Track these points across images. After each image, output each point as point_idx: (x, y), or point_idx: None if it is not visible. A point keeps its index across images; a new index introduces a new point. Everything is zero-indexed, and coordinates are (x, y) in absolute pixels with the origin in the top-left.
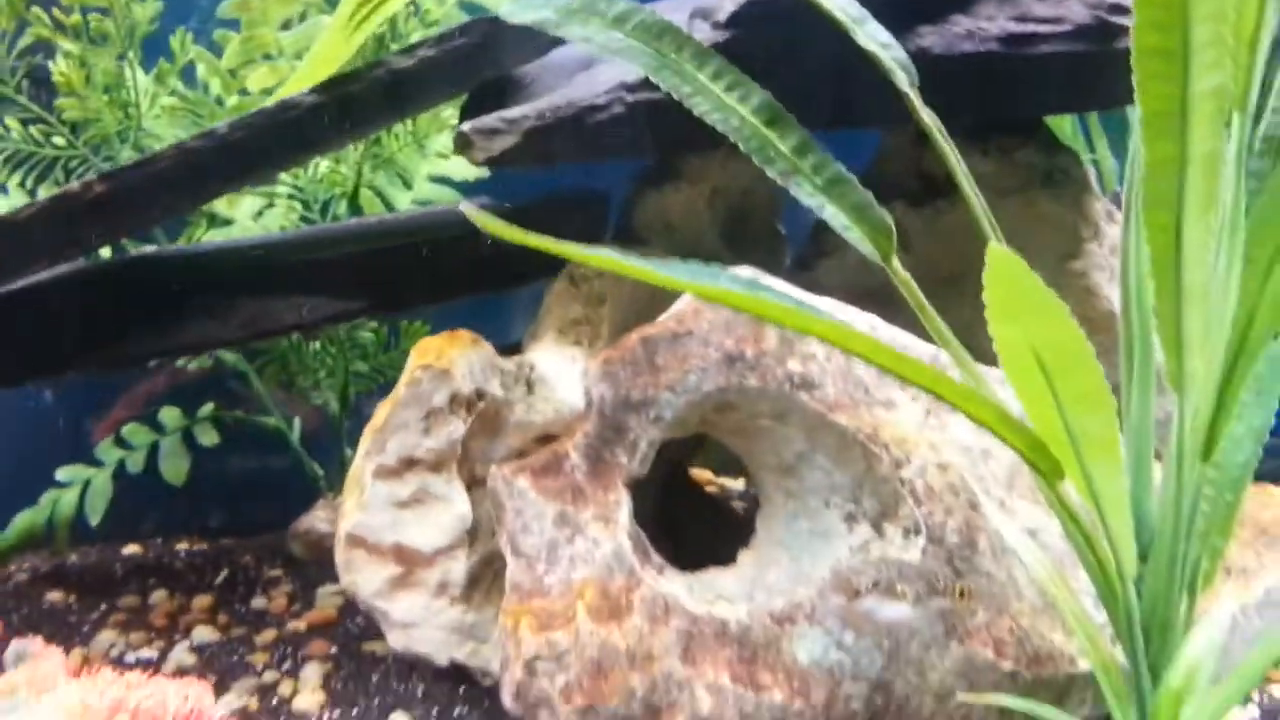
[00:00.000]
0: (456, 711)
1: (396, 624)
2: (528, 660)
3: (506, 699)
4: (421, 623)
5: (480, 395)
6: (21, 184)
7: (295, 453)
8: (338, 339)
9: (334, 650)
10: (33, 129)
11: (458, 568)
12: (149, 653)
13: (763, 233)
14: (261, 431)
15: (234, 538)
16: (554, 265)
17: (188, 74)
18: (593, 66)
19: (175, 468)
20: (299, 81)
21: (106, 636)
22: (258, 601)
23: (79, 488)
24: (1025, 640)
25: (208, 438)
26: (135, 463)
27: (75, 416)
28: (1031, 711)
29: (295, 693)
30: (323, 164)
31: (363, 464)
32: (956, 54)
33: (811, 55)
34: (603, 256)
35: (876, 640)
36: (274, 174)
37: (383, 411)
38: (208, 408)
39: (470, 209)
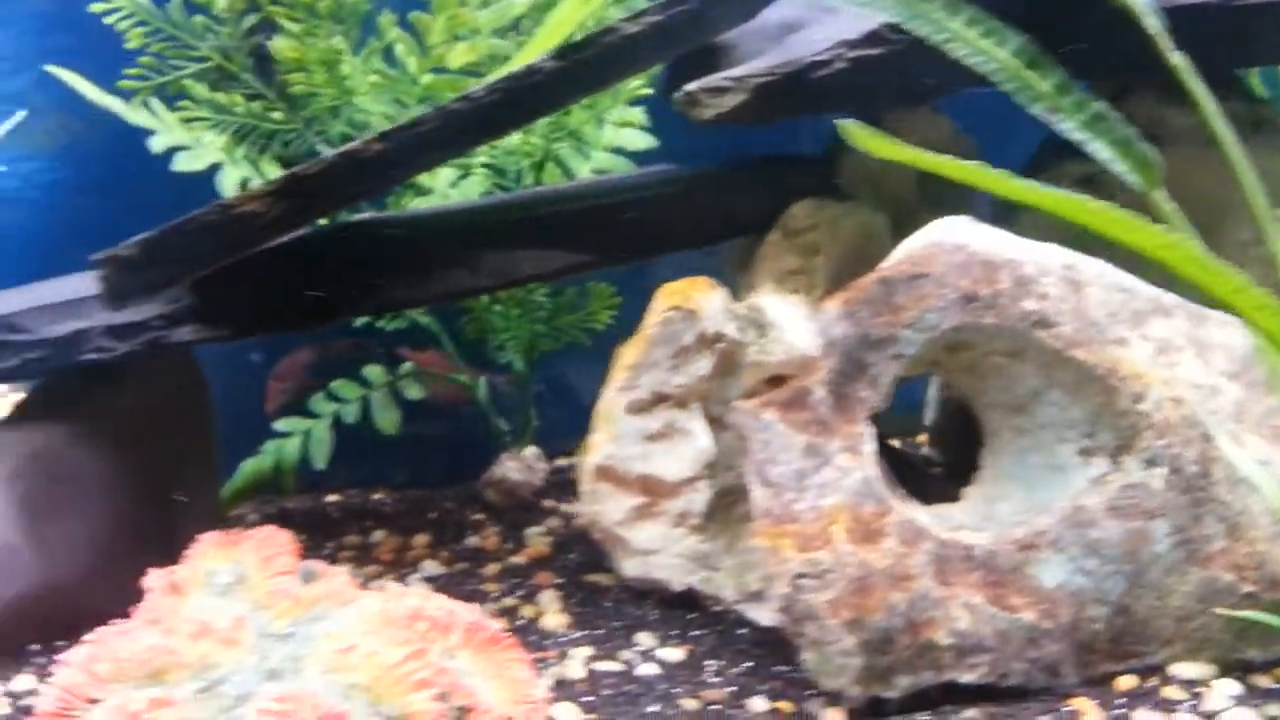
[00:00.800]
0: (692, 633)
1: (636, 551)
2: (793, 577)
3: (771, 614)
4: (661, 549)
5: (719, 337)
6: (245, 156)
7: (481, 409)
8: (522, 302)
9: (560, 581)
10: (254, 104)
11: (699, 498)
12: (386, 583)
13: (953, 193)
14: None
15: (423, 490)
16: (761, 220)
17: (385, 52)
18: (802, 29)
19: (388, 418)
20: (536, 48)
21: (341, 570)
22: (471, 540)
23: (300, 437)
24: (1263, 564)
25: (413, 391)
26: (350, 413)
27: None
28: None
29: (539, 615)
30: (514, 136)
31: (614, 399)
32: (1173, 7)
33: (1037, 11)
34: (996, 178)
35: (1118, 566)
36: (516, 131)
37: (632, 350)
38: (408, 365)
39: (851, 125)
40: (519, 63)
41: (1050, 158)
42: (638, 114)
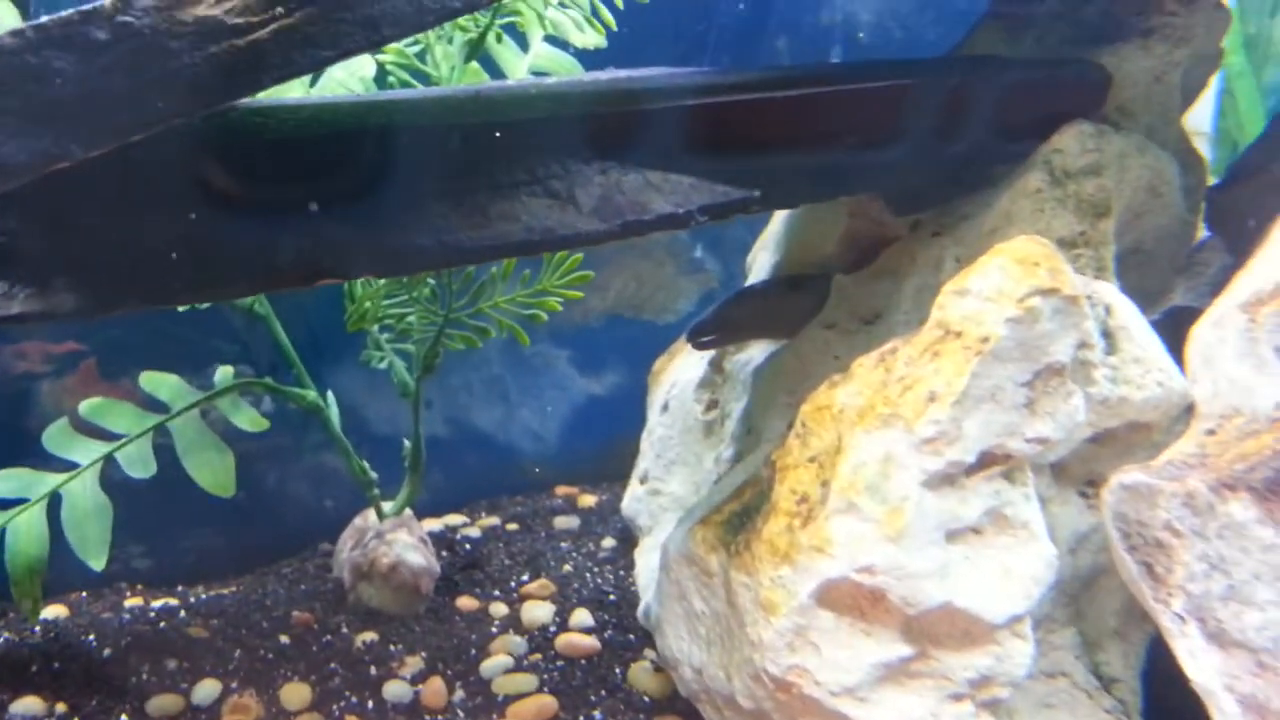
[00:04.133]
0: None
1: None
2: None
3: None
4: None
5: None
6: None
7: (337, 442)
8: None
9: None
10: None
11: (1020, 652)
12: None
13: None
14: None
15: (233, 586)
16: (1020, 148)
17: None
18: None
19: (212, 468)
20: None
21: None
22: (393, 688)
23: (38, 507)
24: None
25: (246, 420)
26: (136, 462)
27: None
28: None
29: None
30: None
31: (898, 456)
32: None
33: None
34: None
35: None
36: None
37: (946, 368)
38: (227, 372)
39: None
40: None
41: None
42: None
